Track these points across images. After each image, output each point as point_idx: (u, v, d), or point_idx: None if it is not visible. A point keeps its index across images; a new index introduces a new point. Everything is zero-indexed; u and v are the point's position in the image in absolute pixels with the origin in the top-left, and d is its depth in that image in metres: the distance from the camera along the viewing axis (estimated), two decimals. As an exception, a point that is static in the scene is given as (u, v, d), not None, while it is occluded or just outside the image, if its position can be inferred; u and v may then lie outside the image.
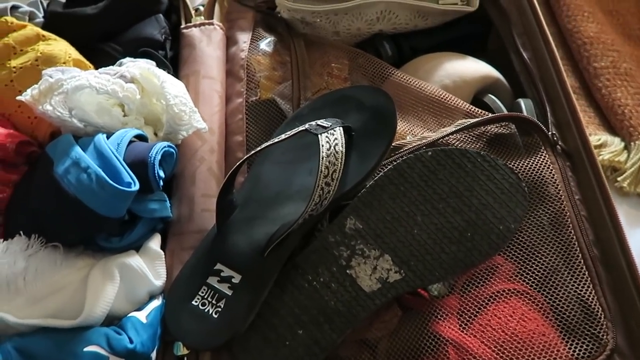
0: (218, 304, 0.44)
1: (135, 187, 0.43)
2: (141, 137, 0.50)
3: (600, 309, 0.44)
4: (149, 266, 0.47)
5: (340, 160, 0.45)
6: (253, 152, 0.46)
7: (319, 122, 0.47)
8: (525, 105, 0.57)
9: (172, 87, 0.50)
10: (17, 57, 0.55)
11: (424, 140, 0.53)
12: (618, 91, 0.64)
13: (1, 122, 0.52)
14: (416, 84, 0.59)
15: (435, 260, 0.44)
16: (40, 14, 0.62)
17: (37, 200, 0.45)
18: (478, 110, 0.56)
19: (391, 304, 0.46)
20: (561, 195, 0.49)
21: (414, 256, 0.44)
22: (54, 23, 0.61)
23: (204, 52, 0.61)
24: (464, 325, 0.45)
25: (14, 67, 0.54)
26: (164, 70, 0.55)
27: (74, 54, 0.56)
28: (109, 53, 0.60)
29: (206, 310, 0.45)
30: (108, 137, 0.47)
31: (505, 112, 0.57)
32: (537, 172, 0.50)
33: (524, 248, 0.48)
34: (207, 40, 0.62)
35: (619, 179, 0.60)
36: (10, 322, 0.41)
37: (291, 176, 0.50)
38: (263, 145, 0.46)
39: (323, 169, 0.44)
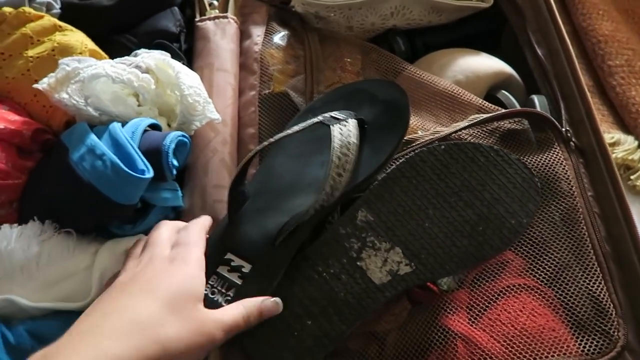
0: (227, 293, 0.44)
1: (150, 174, 0.43)
2: (155, 127, 0.50)
3: (612, 305, 0.44)
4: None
5: (352, 151, 0.45)
6: (266, 142, 0.46)
7: (333, 114, 0.48)
8: (538, 102, 0.56)
9: (187, 77, 0.51)
10: (34, 47, 0.56)
11: (436, 135, 0.53)
12: (632, 89, 0.64)
13: (17, 110, 0.52)
14: (429, 79, 0.59)
15: (446, 254, 0.44)
16: (58, 5, 0.63)
17: (52, 187, 0.45)
18: (491, 106, 0.56)
19: (401, 297, 0.46)
20: (574, 192, 0.49)
21: (425, 249, 0.44)
22: (70, 14, 0.61)
23: (218, 45, 0.61)
24: (473, 320, 0.45)
25: (31, 57, 0.54)
26: (180, 62, 0.56)
27: (90, 44, 0.57)
28: (125, 44, 0.60)
29: (216, 299, 0.45)
30: (123, 126, 0.47)
31: (519, 107, 0.57)
32: (550, 168, 0.50)
33: (535, 243, 0.48)
34: (221, 34, 0.63)
35: (632, 177, 0.59)
36: (23, 305, 0.42)
37: (303, 168, 0.51)
38: (276, 137, 0.46)
39: (335, 159, 0.44)
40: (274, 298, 0.43)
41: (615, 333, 0.43)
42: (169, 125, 0.54)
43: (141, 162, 0.43)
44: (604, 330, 0.43)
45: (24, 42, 0.55)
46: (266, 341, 0.44)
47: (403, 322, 0.46)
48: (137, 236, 0.47)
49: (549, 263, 0.46)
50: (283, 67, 0.62)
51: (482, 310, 0.46)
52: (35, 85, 0.49)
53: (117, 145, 0.44)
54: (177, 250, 0.41)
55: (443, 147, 0.47)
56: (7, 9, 0.57)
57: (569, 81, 0.56)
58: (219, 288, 0.45)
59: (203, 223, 0.46)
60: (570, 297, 0.45)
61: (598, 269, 0.45)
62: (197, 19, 0.65)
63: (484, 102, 0.56)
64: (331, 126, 0.46)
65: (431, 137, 0.53)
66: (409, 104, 0.50)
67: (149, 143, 0.45)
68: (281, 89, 0.60)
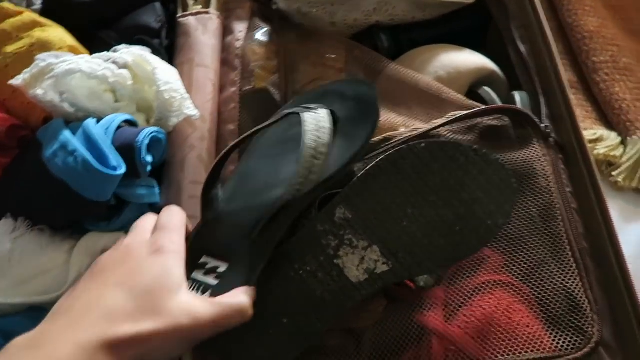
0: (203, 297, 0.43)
1: (121, 170, 0.43)
2: (131, 123, 0.50)
3: (587, 301, 0.44)
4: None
5: (325, 134, 0.45)
6: (237, 140, 0.46)
7: (305, 105, 0.48)
8: (520, 98, 0.56)
9: (164, 73, 0.50)
10: (13, 43, 0.55)
11: (415, 132, 0.52)
12: (616, 86, 0.63)
13: (-4, 107, 0.52)
14: (411, 76, 0.59)
15: (424, 253, 0.43)
16: (39, 1, 0.63)
17: (25, 183, 0.45)
18: (471, 102, 0.55)
19: (377, 293, 0.46)
20: (552, 188, 0.48)
21: (403, 248, 0.44)
22: (51, 9, 0.61)
23: (199, 41, 0.61)
24: (449, 316, 0.45)
25: (9, 53, 0.54)
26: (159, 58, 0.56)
27: (70, 40, 0.57)
28: (105, 40, 0.60)
29: None
30: (98, 122, 0.47)
31: (500, 104, 0.57)
32: (528, 164, 0.50)
33: (512, 240, 0.47)
34: (202, 29, 0.62)
35: (614, 173, 0.59)
36: (-5, 302, 0.42)
37: (278, 167, 0.50)
38: (247, 134, 0.46)
39: (308, 141, 0.43)
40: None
41: (590, 329, 0.43)
42: (147, 121, 0.54)
43: (113, 158, 0.43)
44: (578, 326, 0.43)
45: (2, 38, 0.55)
46: (241, 340, 0.43)
47: (380, 319, 0.46)
48: (115, 233, 0.47)
49: (525, 259, 0.46)
50: (264, 63, 0.62)
51: (458, 307, 0.45)
52: (10, 82, 0.49)
53: (89, 142, 0.44)
54: (156, 237, 0.41)
55: (423, 145, 0.46)
56: (-14, 5, 0.57)
57: (550, 78, 0.56)
58: (193, 293, 0.43)
59: (184, 216, 0.46)
60: (546, 293, 0.44)
61: (574, 265, 0.45)
62: (179, 15, 0.65)
63: (465, 98, 0.56)
64: (301, 113, 0.46)
65: (410, 133, 0.52)
66: (376, 95, 0.50)
67: (123, 139, 0.45)
68: (262, 85, 0.59)
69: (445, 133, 0.53)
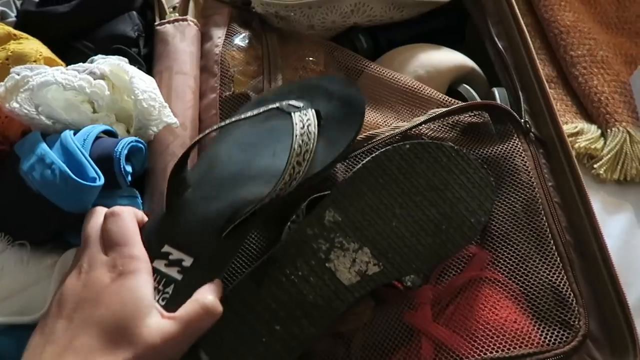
0: (165, 290, 0.41)
1: (100, 182, 0.42)
2: (110, 133, 0.49)
3: (572, 295, 0.44)
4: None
5: (312, 141, 0.44)
6: (216, 127, 0.45)
7: (290, 102, 0.47)
8: (499, 94, 0.56)
9: (141, 82, 0.50)
10: (-13, 56, 0.55)
11: (396, 130, 0.52)
12: (594, 79, 0.64)
13: (-28, 122, 0.51)
14: (390, 76, 0.59)
15: (413, 253, 0.44)
16: (13, 13, 0.62)
17: (3, 198, 0.45)
18: (451, 100, 0.55)
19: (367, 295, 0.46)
20: (533, 182, 0.49)
21: (392, 248, 0.44)
22: (26, 22, 0.61)
23: (177, 48, 0.61)
24: (437, 315, 0.45)
25: (-16, 67, 0.53)
26: (137, 67, 0.55)
27: (46, 52, 0.56)
28: (82, 51, 0.59)
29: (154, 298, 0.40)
30: (75, 134, 0.47)
31: (479, 101, 0.57)
32: (509, 160, 0.50)
33: (497, 236, 0.47)
34: (180, 36, 0.62)
35: (595, 166, 0.59)
36: (-26, 321, 0.41)
37: (252, 158, 0.48)
38: (227, 121, 0.45)
39: (296, 147, 0.43)
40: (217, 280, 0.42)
41: (576, 322, 0.43)
42: (128, 131, 0.53)
43: (92, 169, 0.43)
44: (564, 320, 0.43)
45: (-23, 52, 0.55)
46: (232, 350, 0.43)
47: (368, 321, 0.46)
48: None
49: (510, 255, 0.46)
50: (244, 68, 0.61)
51: (445, 305, 0.45)
52: (-16, 96, 0.48)
53: (67, 154, 0.43)
54: (113, 258, 0.38)
55: (408, 146, 0.46)
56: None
57: (528, 73, 0.56)
58: (155, 285, 0.40)
59: (131, 210, 0.43)
60: (531, 288, 0.45)
61: (558, 259, 0.45)
62: (156, 23, 0.64)
63: (445, 96, 0.56)
64: (292, 114, 0.45)
65: (392, 132, 0.52)
66: (364, 101, 0.50)
67: (101, 150, 0.45)
68: (242, 90, 0.59)
69: (427, 131, 0.53)
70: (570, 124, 0.62)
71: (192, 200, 0.45)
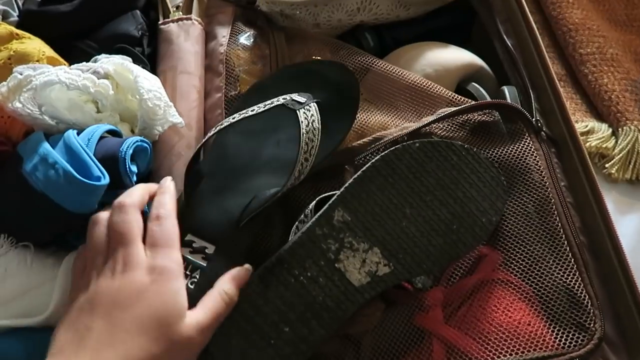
0: (193, 275, 0.43)
1: (105, 181, 0.42)
2: (114, 133, 0.48)
3: (587, 297, 0.43)
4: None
5: (317, 136, 0.46)
6: (226, 122, 0.47)
7: (294, 97, 0.48)
8: (509, 93, 0.56)
9: (146, 81, 0.49)
10: (-11, 56, 0.54)
11: (405, 130, 0.52)
12: (604, 77, 0.63)
13: (-26, 122, 0.50)
14: (398, 73, 0.58)
15: (423, 253, 0.43)
16: (15, 13, 0.61)
17: (6, 199, 0.44)
18: (461, 99, 0.55)
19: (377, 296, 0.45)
20: (546, 182, 0.48)
21: (403, 249, 0.43)
22: (28, 21, 0.60)
23: (181, 48, 0.60)
24: (448, 317, 0.44)
25: (-14, 67, 0.53)
26: (141, 66, 0.54)
27: (48, 51, 0.55)
28: (85, 50, 0.59)
29: None
30: (79, 134, 0.46)
31: (489, 99, 0.56)
32: (521, 160, 0.49)
33: (509, 237, 0.47)
34: (184, 36, 0.61)
35: (607, 165, 0.59)
36: (-22, 324, 0.40)
37: (259, 147, 0.51)
38: (237, 118, 0.47)
39: (303, 145, 0.45)
40: (245, 266, 0.43)
41: (592, 325, 0.42)
42: (132, 131, 0.52)
43: (96, 168, 0.42)
44: (580, 322, 0.42)
45: (-21, 52, 0.54)
46: (241, 353, 0.42)
47: (378, 323, 0.45)
48: None
49: (523, 256, 0.45)
50: (249, 67, 0.61)
51: (457, 307, 0.45)
52: (-13, 96, 0.47)
53: (71, 153, 0.42)
54: (155, 257, 0.39)
55: (417, 144, 0.46)
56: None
57: (538, 71, 0.55)
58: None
59: (172, 195, 0.44)
60: (545, 290, 0.44)
61: (572, 260, 0.44)
62: (160, 22, 0.63)
63: (454, 94, 0.55)
64: (297, 111, 0.46)
65: (400, 132, 0.51)
66: (358, 87, 0.52)
67: (105, 150, 0.44)
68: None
69: (437, 130, 0.52)
70: (581, 122, 0.61)
71: (208, 190, 0.49)
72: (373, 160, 0.45)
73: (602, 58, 0.65)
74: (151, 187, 0.44)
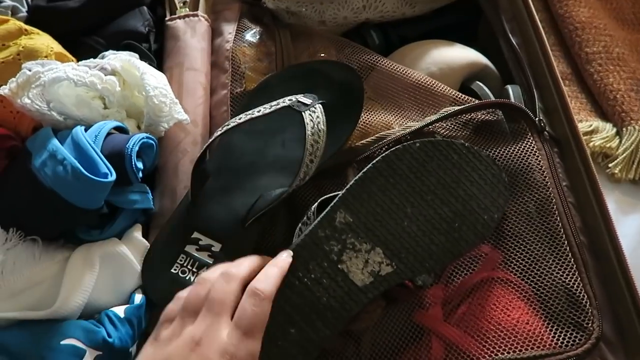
0: (199, 272, 0.45)
1: (112, 177, 0.42)
2: (121, 129, 0.49)
3: (586, 296, 0.43)
4: (134, 255, 0.47)
5: (322, 138, 0.47)
6: (233, 123, 0.47)
7: (299, 98, 0.48)
8: (513, 92, 0.56)
9: (152, 78, 0.50)
10: (-1, 51, 0.55)
11: (408, 129, 0.52)
12: (610, 76, 0.63)
13: (-16, 117, 0.51)
14: (403, 72, 0.58)
15: (425, 252, 0.43)
16: (24, 9, 0.62)
17: (15, 194, 0.45)
18: (465, 97, 0.55)
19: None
20: (547, 182, 0.48)
21: (405, 248, 0.43)
22: (37, 17, 0.60)
23: (188, 44, 0.60)
24: (448, 315, 0.45)
25: (-4, 62, 0.53)
26: (148, 63, 0.55)
27: (57, 47, 0.56)
28: (93, 46, 0.59)
29: (187, 278, 0.46)
30: (87, 130, 0.47)
31: (493, 98, 0.56)
32: (523, 159, 0.49)
33: (510, 236, 0.47)
34: (191, 32, 0.62)
35: (610, 165, 0.58)
36: (-13, 316, 0.41)
37: (264, 147, 0.52)
38: (244, 119, 0.47)
39: (309, 147, 0.46)
40: (286, 252, 0.42)
41: (590, 324, 0.42)
42: (138, 127, 0.53)
43: (103, 165, 0.42)
44: (578, 322, 0.42)
45: (-12, 48, 0.55)
46: None
47: (378, 320, 0.46)
48: (110, 242, 0.46)
49: (523, 255, 0.46)
50: (255, 64, 0.61)
51: (456, 305, 0.45)
52: (-3, 91, 0.48)
53: (79, 150, 0.43)
54: (237, 344, 0.36)
55: (418, 144, 0.46)
56: (-30, 15, 0.56)
57: (543, 70, 0.55)
58: (189, 267, 0.45)
59: (282, 273, 0.40)
60: (544, 289, 0.44)
61: (572, 260, 0.45)
62: (167, 18, 0.64)
63: (458, 93, 0.55)
64: (303, 113, 0.47)
65: (403, 131, 0.52)
66: (363, 87, 0.53)
67: (112, 146, 0.45)
68: (253, 86, 0.59)
69: (440, 129, 0.53)
70: (585, 122, 0.61)
71: (214, 189, 0.50)
72: (374, 161, 0.46)
73: (608, 57, 0.64)
74: (264, 261, 0.42)
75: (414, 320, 0.45)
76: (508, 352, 0.42)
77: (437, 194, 0.45)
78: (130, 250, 0.47)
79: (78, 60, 0.56)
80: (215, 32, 0.64)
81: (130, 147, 0.44)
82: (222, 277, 0.38)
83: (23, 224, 0.45)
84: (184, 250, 0.47)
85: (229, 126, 0.48)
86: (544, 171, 0.49)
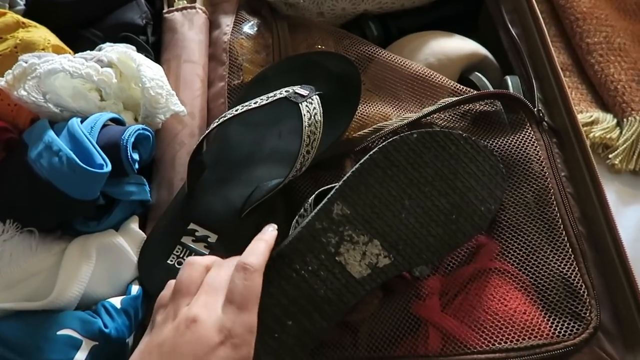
0: None
1: (107, 168, 0.42)
2: (118, 121, 0.49)
3: (584, 286, 0.43)
4: (131, 246, 0.47)
5: (319, 129, 0.47)
6: (229, 114, 0.47)
7: (296, 89, 0.48)
8: (512, 82, 0.55)
9: (148, 70, 0.49)
10: (-4, 44, 0.55)
11: (406, 120, 0.52)
12: (611, 67, 0.62)
13: (-19, 110, 0.51)
14: (401, 63, 0.58)
15: (423, 243, 0.43)
16: (22, 2, 0.62)
17: (12, 186, 0.45)
18: (463, 88, 0.54)
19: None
20: (545, 172, 0.48)
21: (403, 240, 0.43)
22: (34, 10, 0.60)
23: (186, 36, 0.60)
24: (445, 306, 0.44)
25: (-7, 55, 0.53)
26: (145, 55, 0.55)
27: (54, 40, 0.56)
28: (90, 39, 0.59)
29: None
30: (83, 122, 0.46)
31: (491, 89, 0.56)
32: (521, 149, 0.49)
33: (507, 227, 0.47)
34: (188, 24, 0.61)
35: (610, 156, 0.58)
36: (-17, 306, 0.41)
37: (261, 138, 0.52)
38: (240, 110, 0.47)
39: (305, 138, 0.45)
40: (271, 225, 0.42)
41: (587, 314, 0.42)
42: (136, 119, 0.53)
43: (99, 156, 0.42)
44: (575, 311, 0.42)
45: (-14, 41, 0.55)
46: None
47: (376, 311, 0.45)
48: (106, 233, 0.46)
49: (521, 245, 0.46)
50: (253, 56, 0.61)
51: (454, 295, 0.45)
52: (-7, 84, 0.48)
53: (74, 141, 0.43)
54: (233, 320, 0.36)
55: (415, 135, 0.46)
56: (-32, 8, 0.56)
57: (542, 61, 0.55)
58: (185, 258, 0.45)
59: (269, 246, 0.40)
60: (542, 279, 0.44)
61: (570, 250, 0.45)
62: (164, 11, 0.64)
63: (457, 84, 0.55)
64: (300, 104, 0.47)
65: (401, 122, 0.52)
66: (360, 78, 0.53)
67: (108, 137, 0.45)
68: (251, 79, 0.59)
69: (438, 120, 0.52)
70: (585, 113, 0.60)
71: (211, 181, 0.50)
72: (371, 153, 0.45)
73: (610, 48, 0.64)
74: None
75: (412, 311, 0.45)
76: (505, 342, 0.41)
77: (435, 186, 0.45)
78: (127, 242, 0.47)
79: (76, 53, 0.56)
80: (213, 24, 0.64)
81: (126, 138, 0.44)
82: (214, 263, 0.39)
83: (20, 216, 0.45)
84: (181, 242, 0.47)
85: (226, 117, 0.48)
86: (542, 161, 0.48)
